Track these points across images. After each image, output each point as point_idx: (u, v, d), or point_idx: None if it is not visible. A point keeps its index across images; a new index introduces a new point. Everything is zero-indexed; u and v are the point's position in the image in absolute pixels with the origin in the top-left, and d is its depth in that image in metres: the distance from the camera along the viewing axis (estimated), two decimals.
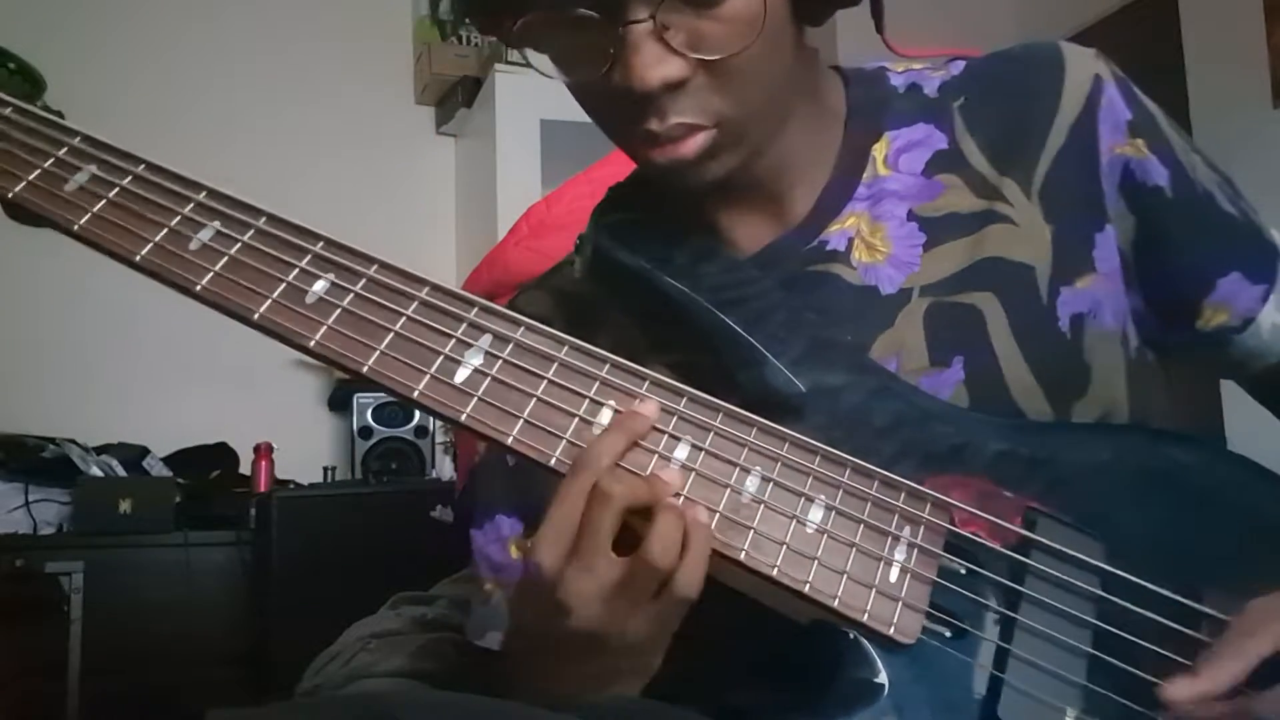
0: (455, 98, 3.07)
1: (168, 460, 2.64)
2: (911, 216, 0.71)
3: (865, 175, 0.72)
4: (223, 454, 2.70)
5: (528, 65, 0.67)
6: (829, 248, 0.70)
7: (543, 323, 0.79)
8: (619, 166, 0.83)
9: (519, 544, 0.77)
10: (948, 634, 0.58)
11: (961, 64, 0.75)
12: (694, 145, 0.64)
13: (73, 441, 2.49)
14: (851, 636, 0.57)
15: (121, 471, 2.49)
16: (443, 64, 3.04)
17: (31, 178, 0.65)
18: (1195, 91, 2.66)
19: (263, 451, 2.62)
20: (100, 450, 2.54)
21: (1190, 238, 0.72)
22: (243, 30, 3.04)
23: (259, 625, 2.25)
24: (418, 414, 2.70)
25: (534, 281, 0.85)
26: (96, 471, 2.42)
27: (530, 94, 2.73)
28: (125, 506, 2.30)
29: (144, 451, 2.59)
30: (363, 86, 3.15)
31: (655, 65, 0.60)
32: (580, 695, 0.59)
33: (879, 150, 0.73)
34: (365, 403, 2.68)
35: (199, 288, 0.61)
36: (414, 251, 2.74)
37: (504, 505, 0.78)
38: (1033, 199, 0.70)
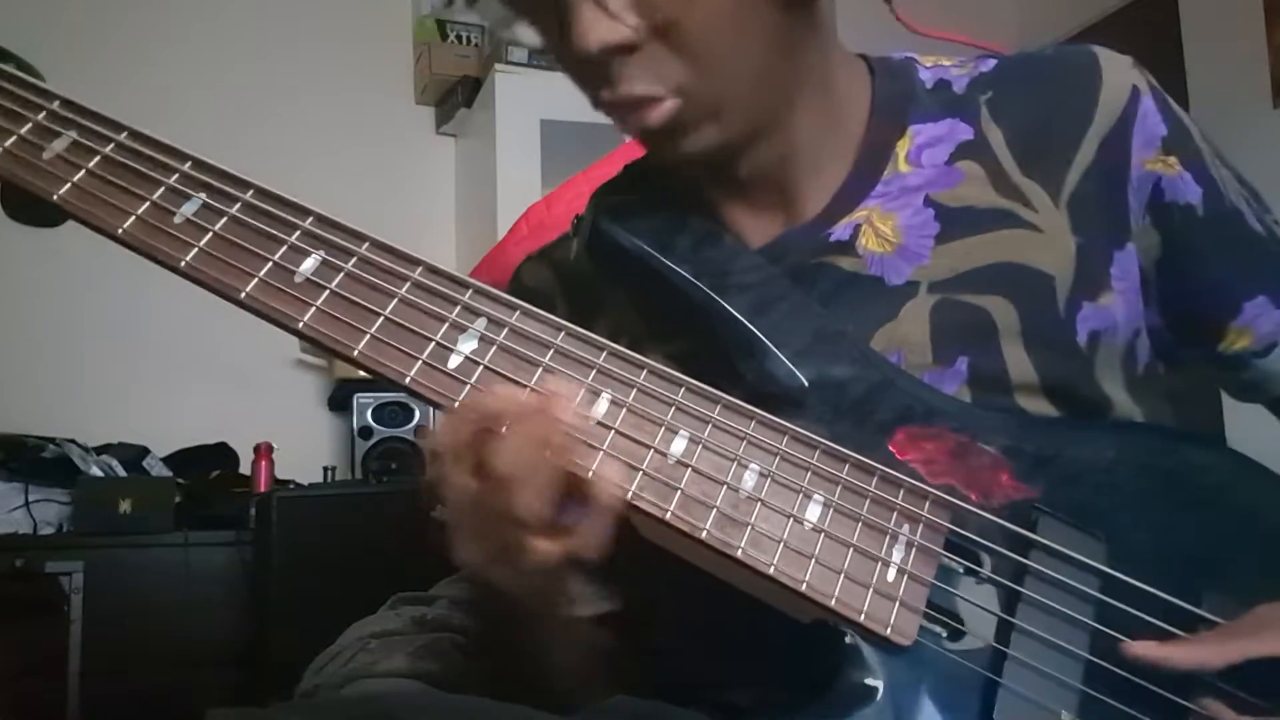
0: (455, 98, 3.07)
1: (168, 460, 2.64)
2: (928, 203, 0.69)
3: (885, 173, 0.70)
4: (223, 454, 2.70)
5: (528, 44, 0.67)
6: (834, 239, 0.69)
7: (543, 295, 0.78)
8: (619, 166, 0.82)
9: None
10: (944, 635, 0.57)
11: (992, 62, 0.74)
12: (657, 115, 0.63)
13: (73, 441, 2.48)
14: (848, 637, 0.57)
15: (121, 471, 2.48)
16: (443, 64, 3.04)
17: (7, 145, 0.62)
18: (1195, 91, 2.66)
19: (263, 451, 2.62)
20: (100, 450, 2.53)
21: (1218, 259, 0.71)
22: (242, 30, 3.03)
23: (259, 625, 2.24)
24: (418, 414, 2.70)
25: (537, 253, 0.83)
26: (96, 471, 2.42)
27: (530, 94, 2.73)
28: (125, 506, 2.30)
29: (144, 451, 2.59)
30: (363, 86, 3.15)
31: (592, 29, 0.59)
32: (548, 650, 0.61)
33: (902, 147, 0.71)
34: (365, 403, 2.68)
35: (183, 264, 0.59)
36: (414, 251, 2.74)
37: None
38: (1060, 208, 0.69)
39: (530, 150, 2.78)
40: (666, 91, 0.62)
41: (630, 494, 0.57)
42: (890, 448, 0.61)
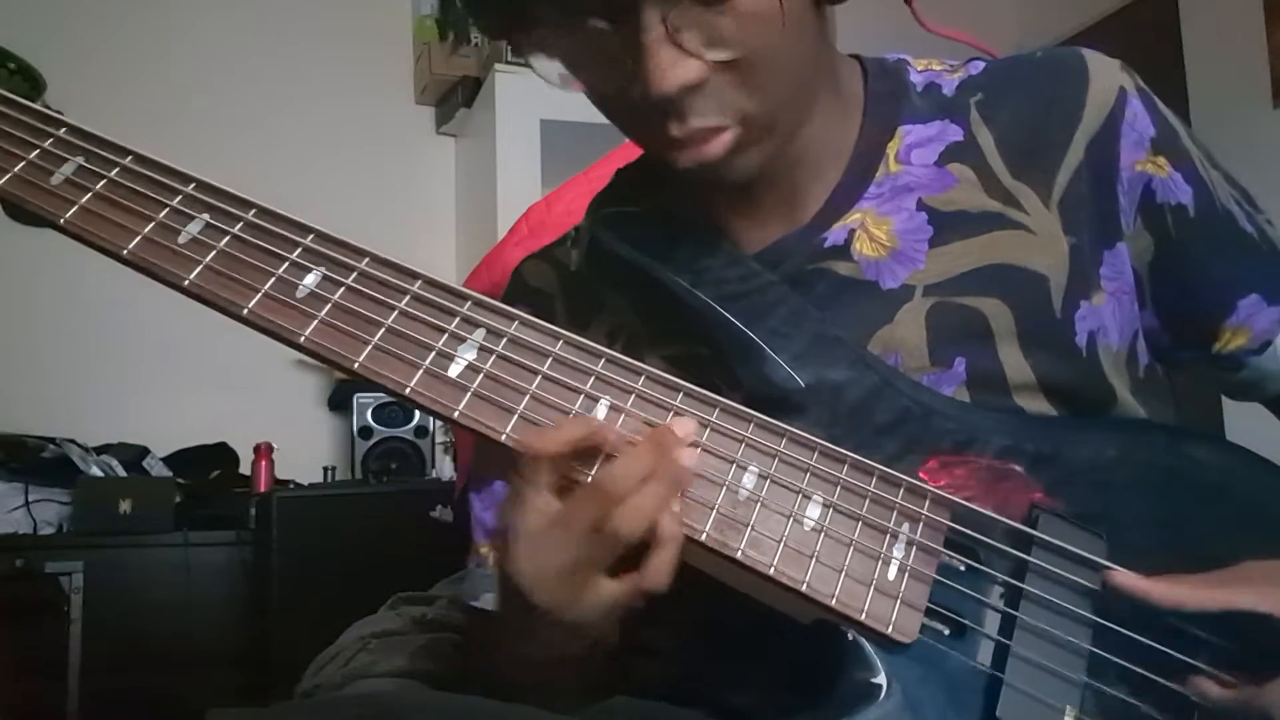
0: (455, 98, 3.07)
1: (168, 460, 2.64)
2: (921, 206, 0.69)
3: (877, 174, 0.71)
4: (223, 454, 2.70)
5: (539, 76, 0.66)
6: (829, 244, 0.70)
7: (544, 295, 0.78)
8: (619, 166, 0.82)
9: None
10: (946, 632, 0.57)
11: (981, 64, 0.74)
12: (720, 145, 0.62)
13: (73, 441, 2.49)
14: (850, 636, 0.57)
15: (121, 471, 2.49)
16: (443, 64, 3.04)
17: (16, 170, 0.64)
18: (1195, 91, 2.66)
19: (263, 451, 2.62)
20: (100, 450, 2.54)
21: (1211, 259, 0.71)
22: (243, 30, 3.03)
23: (259, 625, 2.25)
24: (418, 414, 2.70)
25: (538, 251, 0.84)
26: (96, 471, 2.42)
27: (530, 94, 2.73)
28: (125, 506, 2.30)
29: (144, 451, 2.59)
30: (363, 86, 3.15)
31: (670, 69, 0.58)
32: (551, 657, 0.61)
33: (892, 147, 0.71)
34: (365, 403, 2.68)
35: (187, 282, 0.60)
36: (414, 251, 2.75)
37: (501, 472, 0.77)
38: (1051, 209, 0.69)
39: (530, 150, 2.78)
40: (731, 121, 0.62)
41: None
42: (921, 475, 0.61)
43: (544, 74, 0.65)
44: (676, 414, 0.59)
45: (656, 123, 0.62)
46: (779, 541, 0.57)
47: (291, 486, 2.58)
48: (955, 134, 0.71)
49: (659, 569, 0.55)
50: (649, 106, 0.60)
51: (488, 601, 0.76)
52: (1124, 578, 0.57)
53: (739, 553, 0.56)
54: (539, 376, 0.60)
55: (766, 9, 0.59)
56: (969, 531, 0.59)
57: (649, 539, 0.55)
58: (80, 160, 0.64)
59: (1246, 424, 0.87)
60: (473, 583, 0.80)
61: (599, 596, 0.56)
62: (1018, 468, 0.62)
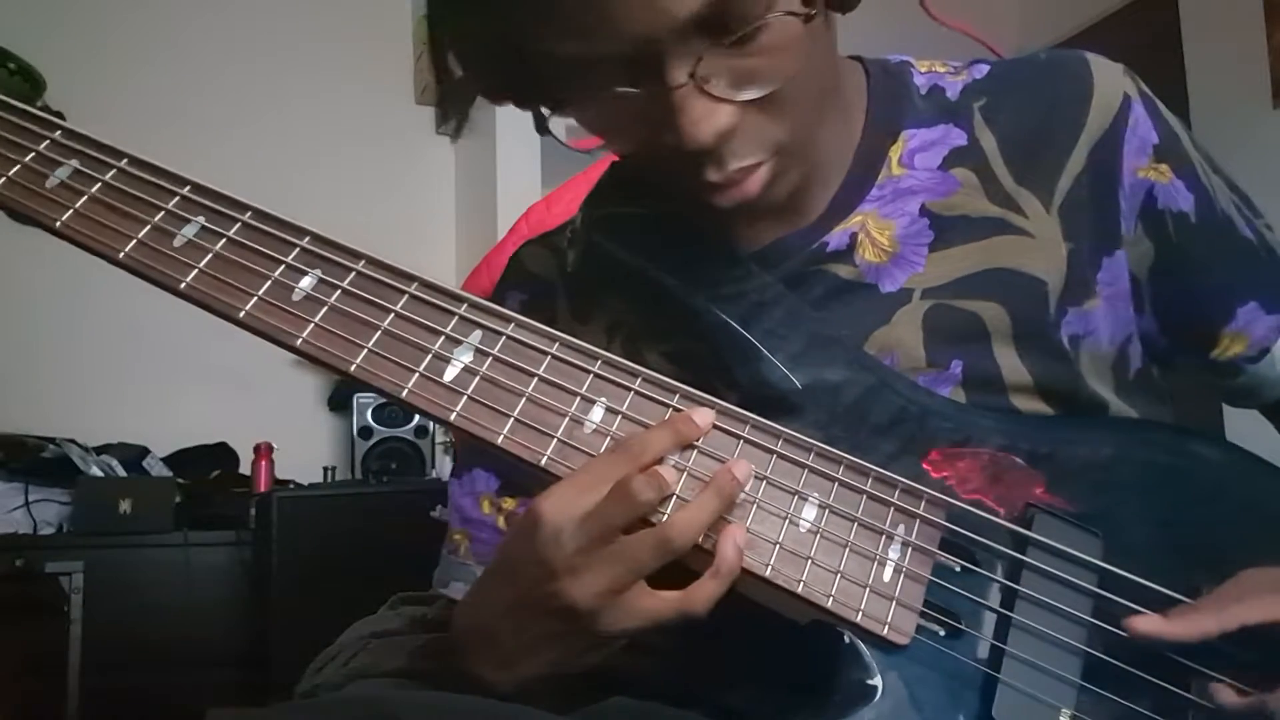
0: None
1: (168, 460, 2.64)
2: (924, 212, 0.69)
3: (880, 177, 0.71)
4: (223, 454, 2.71)
5: (553, 137, 0.65)
6: (830, 248, 0.69)
7: (544, 280, 0.78)
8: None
9: (491, 500, 0.77)
10: (942, 633, 0.58)
11: (985, 67, 0.74)
12: (757, 182, 0.62)
13: (73, 441, 2.49)
14: (846, 637, 0.57)
15: (121, 471, 2.49)
16: None
17: (11, 174, 0.64)
18: (1195, 91, 2.66)
19: (263, 451, 2.62)
20: (100, 450, 2.54)
21: (1211, 266, 0.72)
22: (243, 30, 3.04)
23: (259, 625, 2.25)
24: (417, 414, 2.70)
25: (538, 238, 0.83)
26: (96, 471, 2.42)
27: None
28: (125, 506, 2.30)
29: (144, 451, 2.60)
30: (363, 86, 3.15)
31: (704, 120, 0.58)
32: (518, 657, 0.58)
33: (895, 151, 0.71)
34: (365, 403, 2.69)
35: (183, 286, 0.60)
36: (414, 251, 2.74)
37: (483, 460, 0.78)
38: (1052, 214, 0.69)
39: (530, 150, 2.78)
40: (766, 155, 0.62)
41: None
42: (925, 466, 0.61)
43: (556, 133, 0.64)
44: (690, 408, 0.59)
45: (693, 172, 0.61)
46: (775, 543, 0.57)
47: (291, 486, 2.58)
48: (959, 138, 0.71)
49: (707, 596, 0.55)
50: (683, 157, 0.60)
51: (456, 590, 0.76)
52: (1143, 624, 0.56)
53: None
54: (535, 379, 0.59)
55: (793, 38, 0.58)
56: (964, 532, 0.59)
57: (702, 564, 0.55)
58: (76, 164, 0.64)
59: (1246, 425, 0.87)
60: (444, 569, 0.80)
61: (639, 606, 0.56)
62: (1020, 460, 0.62)
